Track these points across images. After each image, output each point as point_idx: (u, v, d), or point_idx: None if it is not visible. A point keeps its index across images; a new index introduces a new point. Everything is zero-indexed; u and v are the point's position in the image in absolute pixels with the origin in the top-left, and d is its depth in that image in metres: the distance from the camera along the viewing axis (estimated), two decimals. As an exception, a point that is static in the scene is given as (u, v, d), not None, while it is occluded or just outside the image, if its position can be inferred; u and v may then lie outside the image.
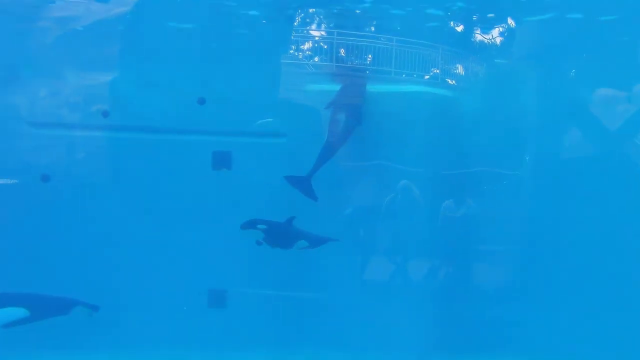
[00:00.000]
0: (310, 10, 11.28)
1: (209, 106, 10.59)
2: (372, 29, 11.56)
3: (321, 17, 11.35)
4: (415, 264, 11.24)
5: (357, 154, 11.19)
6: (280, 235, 9.75)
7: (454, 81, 12.03)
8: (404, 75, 11.44)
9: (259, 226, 9.49)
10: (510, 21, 11.87)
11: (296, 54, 11.41)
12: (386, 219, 11.17)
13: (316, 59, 11.57)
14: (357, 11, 11.47)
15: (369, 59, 11.41)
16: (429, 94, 11.53)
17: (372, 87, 11.34)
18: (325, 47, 11.43)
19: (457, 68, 11.98)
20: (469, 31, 12.01)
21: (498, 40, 12.02)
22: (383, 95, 11.38)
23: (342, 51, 11.40)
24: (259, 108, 10.87)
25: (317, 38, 11.63)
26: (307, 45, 11.61)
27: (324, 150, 10.61)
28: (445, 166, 11.19)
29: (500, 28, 11.92)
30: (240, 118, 10.72)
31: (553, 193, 10.96)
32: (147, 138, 10.62)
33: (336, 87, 11.20)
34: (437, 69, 11.76)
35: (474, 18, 11.78)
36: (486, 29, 11.94)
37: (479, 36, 12.00)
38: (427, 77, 11.78)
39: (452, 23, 11.86)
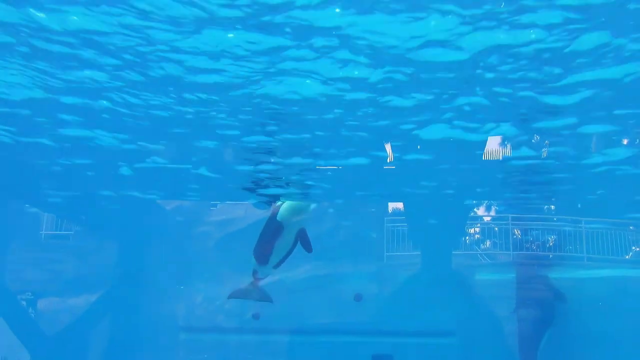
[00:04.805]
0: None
1: (367, 303, 9.52)
2: (552, 207, 10.04)
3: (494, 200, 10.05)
4: None
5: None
6: None
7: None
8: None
9: None
10: None
11: (466, 240, 10.16)
12: None
13: (487, 244, 10.18)
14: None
15: (551, 243, 9.76)
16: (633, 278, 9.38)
17: (559, 275, 9.48)
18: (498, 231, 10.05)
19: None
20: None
21: None
22: (575, 284, 9.40)
23: (518, 234, 9.92)
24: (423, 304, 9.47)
25: (489, 223, 10.31)
26: (478, 231, 10.34)
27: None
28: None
29: None
30: (402, 316, 9.39)
31: None
32: (303, 340, 9.64)
33: (512, 276, 9.56)
34: (640, 247, 9.71)
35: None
36: None
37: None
38: (628, 256, 9.71)
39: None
